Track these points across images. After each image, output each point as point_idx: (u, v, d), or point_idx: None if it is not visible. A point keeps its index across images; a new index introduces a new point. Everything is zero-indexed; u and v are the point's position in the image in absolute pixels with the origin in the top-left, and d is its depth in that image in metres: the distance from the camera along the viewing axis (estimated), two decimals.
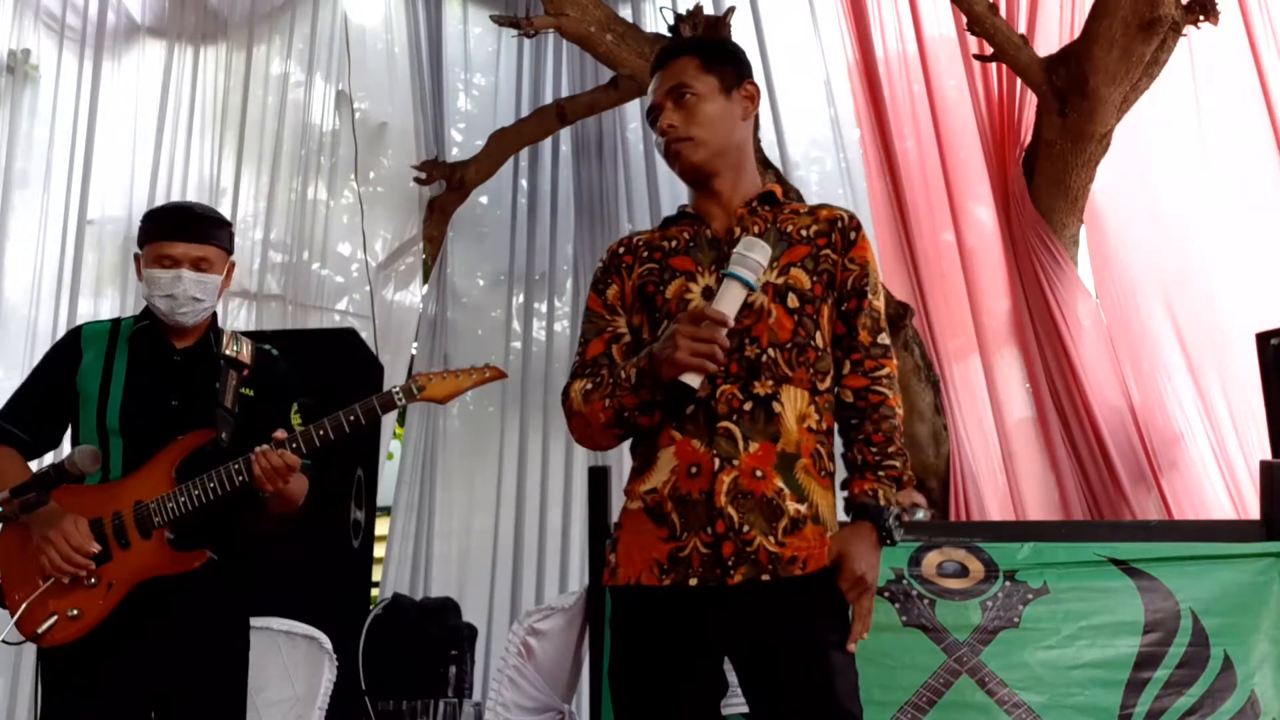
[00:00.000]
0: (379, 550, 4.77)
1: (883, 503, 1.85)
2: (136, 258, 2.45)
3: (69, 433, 2.46)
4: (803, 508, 1.80)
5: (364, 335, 4.81)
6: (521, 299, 5.48)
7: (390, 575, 4.98)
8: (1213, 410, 4.42)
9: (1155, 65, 4.23)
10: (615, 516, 2.74)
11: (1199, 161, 4.69)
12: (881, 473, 1.87)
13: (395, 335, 5.35)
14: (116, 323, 2.50)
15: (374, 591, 4.82)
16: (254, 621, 2.55)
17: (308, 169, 5.35)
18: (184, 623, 2.29)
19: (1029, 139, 4.60)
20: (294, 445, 2.26)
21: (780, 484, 1.79)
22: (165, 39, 5.26)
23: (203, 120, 5.22)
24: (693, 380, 1.75)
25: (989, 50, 4.38)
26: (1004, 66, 4.58)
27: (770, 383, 1.83)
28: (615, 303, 1.99)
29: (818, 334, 1.88)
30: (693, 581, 1.77)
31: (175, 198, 4.93)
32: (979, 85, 4.81)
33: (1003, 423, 4.51)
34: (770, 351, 1.83)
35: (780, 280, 1.87)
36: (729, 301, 1.78)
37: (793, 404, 1.83)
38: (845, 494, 1.89)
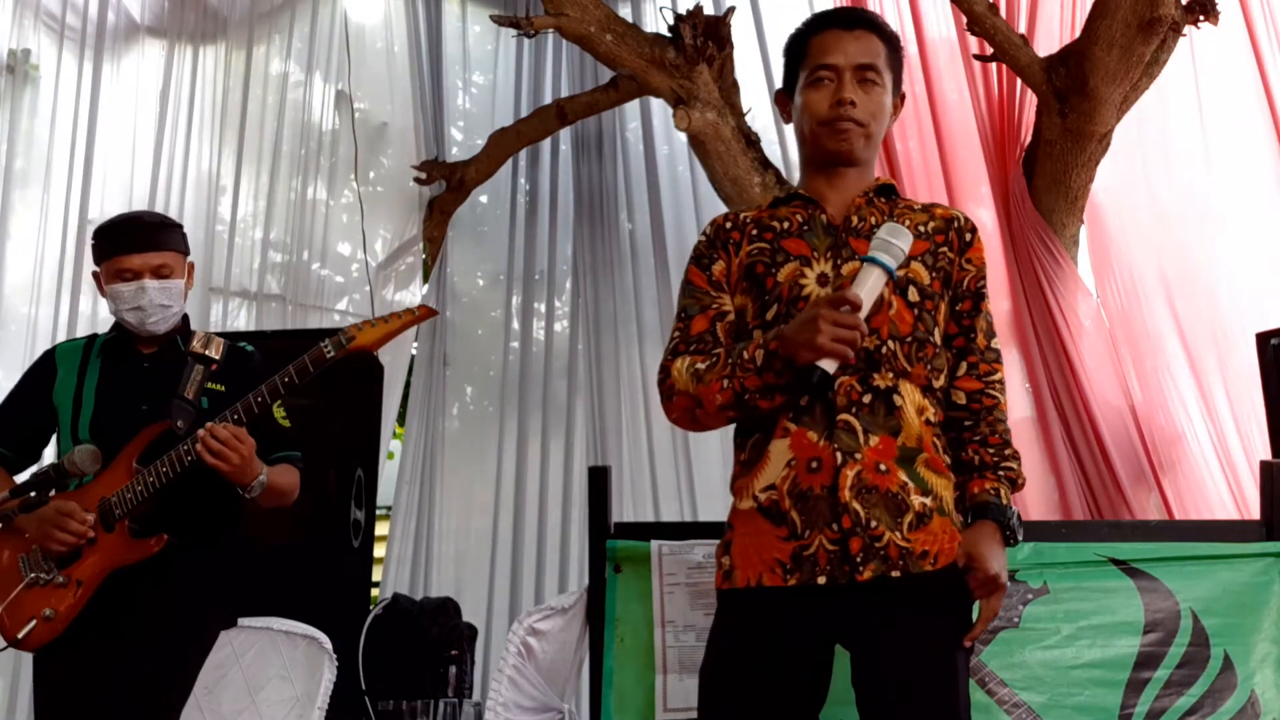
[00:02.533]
0: (379, 550, 4.77)
1: (1004, 502, 1.82)
2: (96, 275, 2.49)
3: (51, 447, 2.52)
4: (928, 500, 1.77)
5: None
6: (521, 299, 5.48)
7: (390, 575, 4.98)
8: (1214, 410, 4.41)
9: (1155, 65, 4.22)
10: (615, 516, 2.76)
11: (1199, 161, 4.68)
12: (1001, 473, 1.85)
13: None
14: (91, 339, 2.56)
15: (374, 591, 4.82)
16: (254, 621, 2.56)
17: (308, 169, 5.35)
18: (150, 607, 2.33)
19: (1029, 139, 4.60)
20: (235, 416, 2.27)
21: (904, 478, 1.76)
22: (165, 39, 5.25)
23: (202, 120, 5.22)
24: (829, 366, 1.70)
25: (989, 50, 4.38)
26: (1004, 66, 4.57)
27: (890, 375, 1.79)
28: (721, 279, 1.92)
29: (935, 330, 1.86)
30: (821, 580, 1.73)
31: (175, 197, 4.95)
32: (979, 85, 4.80)
33: None
34: (890, 344, 1.80)
35: (902, 273, 1.82)
36: (868, 287, 1.72)
37: (911, 398, 1.80)
38: (957, 494, 1.86)
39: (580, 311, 5.43)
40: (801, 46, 1.94)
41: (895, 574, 1.72)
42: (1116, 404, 4.40)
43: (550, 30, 4.51)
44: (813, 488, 1.75)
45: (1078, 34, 4.30)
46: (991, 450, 1.86)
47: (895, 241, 1.72)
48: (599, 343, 5.30)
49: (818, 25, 1.95)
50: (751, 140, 4.47)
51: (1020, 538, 1.83)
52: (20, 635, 2.31)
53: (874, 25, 1.95)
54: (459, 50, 5.77)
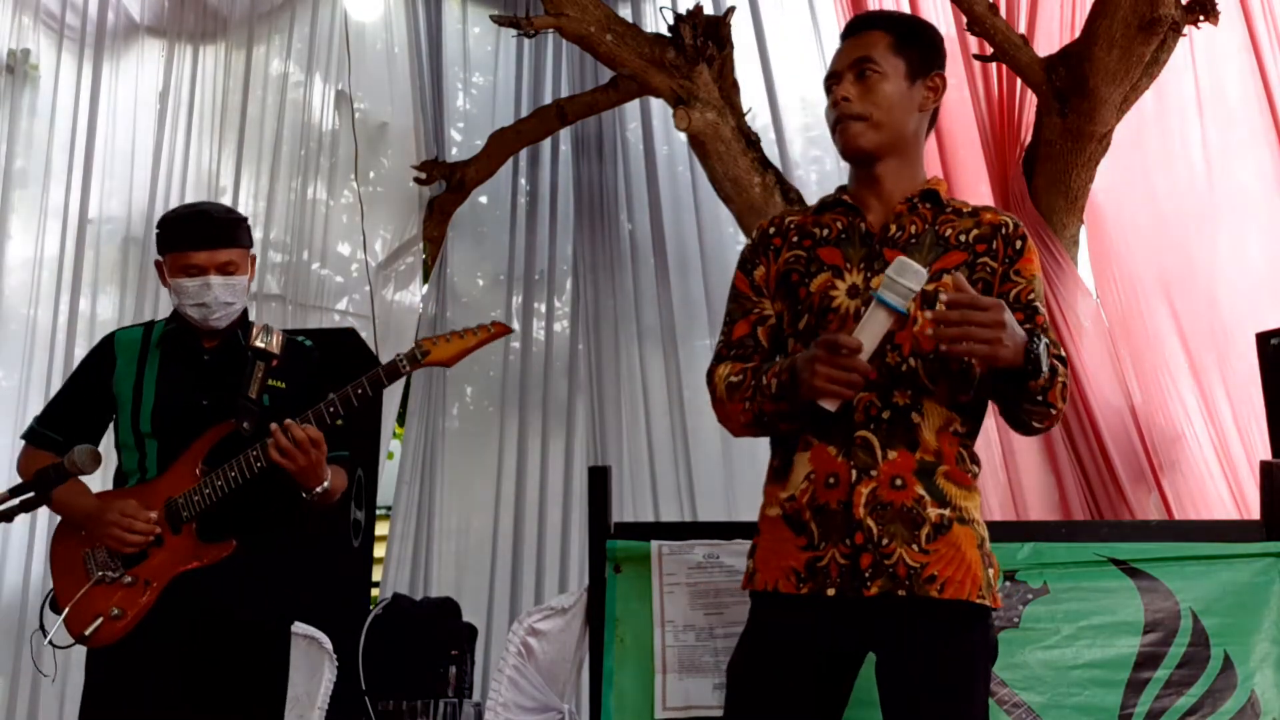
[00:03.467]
0: (379, 550, 4.77)
1: (1041, 338, 1.71)
2: (158, 264, 2.46)
3: (111, 437, 2.50)
4: (945, 511, 1.76)
5: (364, 335, 4.82)
6: (521, 299, 5.48)
7: (390, 575, 4.98)
8: (1214, 410, 4.41)
9: (1155, 65, 4.22)
10: (615, 516, 2.76)
11: (1199, 161, 4.68)
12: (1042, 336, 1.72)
13: (395, 335, 5.35)
14: (149, 327, 2.53)
15: (374, 591, 4.82)
16: None
17: (308, 169, 5.35)
18: (219, 615, 2.32)
19: (1029, 139, 4.59)
20: (306, 423, 2.27)
21: (921, 491, 1.75)
22: (165, 38, 5.25)
23: (202, 120, 5.22)
24: (829, 405, 1.70)
25: (989, 50, 4.38)
26: (1004, 66, 4.57)
27: (910, 393, 1.77)
28: (762, 284, 1.93)
29: None
30: (830, 592, 1.74)
31: (175, 197, 4.94)
32: (979, 85, 4.80)
33: (1002, 423, 4.50)
34: (911, 361, 1.78)
35: (930, 286, 1.77)
36: (872, 328, 1.69)
37: (932, 417, 1.78)
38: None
39: (580, 311, 5.44)
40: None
41: (901, 593, 1.72)
42: (1116, 404, 4.40)
43: (550, 30, 4.51)
44: (829, 503, 1.77)
45: (1078, 34, 4.30)
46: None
47: (902, 281, 1.67)
48: (599, 343, 5.31)
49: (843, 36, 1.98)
50: (751, 140, 4.47)
51: (1042, 354, 1.68)
52: (87, 632, 2.30)
53: (871, 22, 1.95)
54: (459, 50, 5.78)
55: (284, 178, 5.30)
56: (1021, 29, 4.57)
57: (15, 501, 2.20)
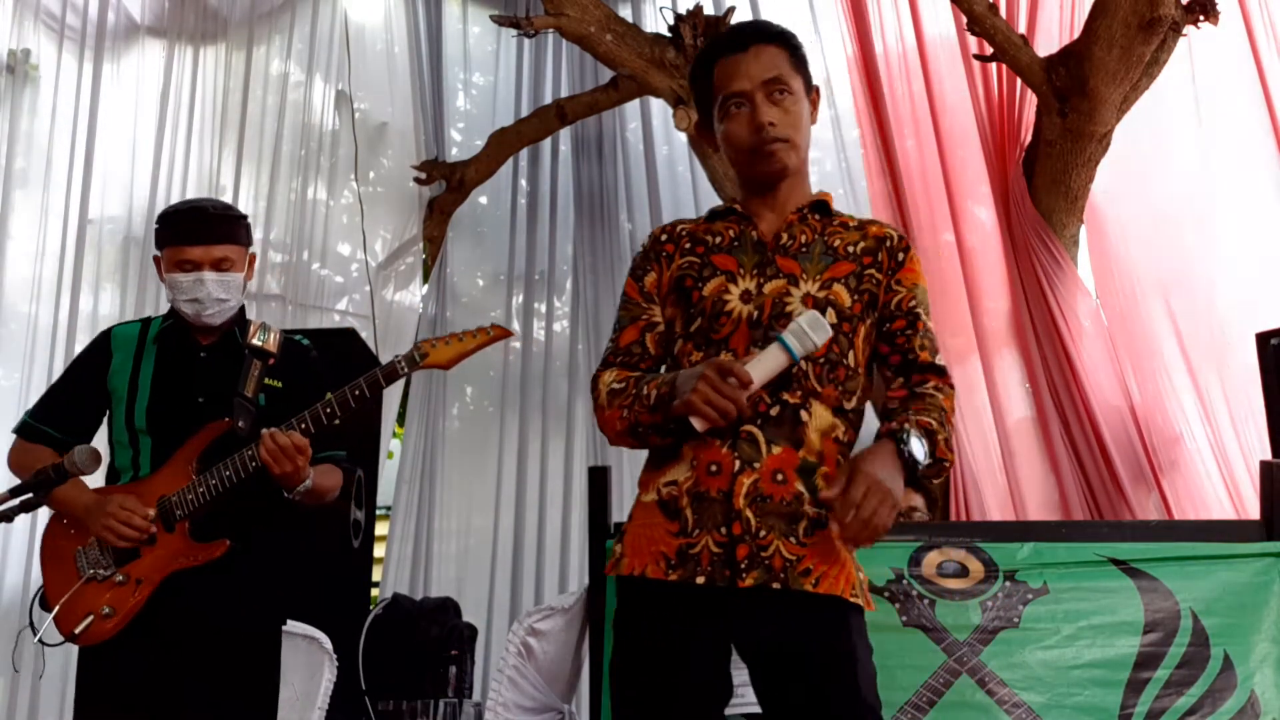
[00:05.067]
0: (379, 550, 4.77)
1: (907, 430, 1.75)
2: (156, 259, 2.46)
3: (105, 432, 2.48)
4: (823, 511, 1.77)
5: (364, 335, 4.82)
6: (521, 299, 5.48)
7: (390, 575, 4.98)
8: (1212, 410, 4.41)
9: (1155, 65, 4.22)
10: (615, 516, 2.76)
11: (1199, 161, 4.68)
12: (915, 416, 1.78)
13: (395, 335, 5.35)
14: (146, 323, 2.52)
15: (374, 591, 4.82)
16: None
17: (308, 169, 5.35)
18: (211, 615, 2.31)
19: (1029, 139, 4.60)
20: (303, 426, 2.26)
21: (800, 488, 1.77)
22: (165, 39, 5.26)
23: (202, 120, 5.22)
24: (699, 424, 1.73)
25: (989, 50, 4.38)
26: (1004, 66, 4.57)
27: (799, 394, 1.80)
28: (653, 290, 1.94)
29: (850, 353, 1.85)
30: (700, 580, 1.75)
31: (175, 197, 4.94)
32: (979, 85, 4.80)
33: (1003, 423, 4.51)
34: (802, 364, 1.79)
35: (821, 294, 1.83)
36: (765, 366, 1.73)
37: (819, 417, 1.81)
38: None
39: (580, 311, 5.44)
40: (706, 80, 1.94)
41: (775, 585, 1.73)
42: (1116, 404, 4.41)
43: (550, 30, 4.51)
44: (709, 490, 1.77)
45: (1078, 34, 4.30)
46: (911, 411, 1.79)
47: (811, 334, 1.73)
48: (599, 343, 5.30)
49: (717, 52, 1.94)
50: None
51: (920, 462, 1.73)
52: (77, 630, 2.29)
53: (766, 35, 1.95)
54: (459, 50, 5.78)
55: (284, 178, 5.30)
56: (1021, 29, 4.58)
57: (15, 502, 2.20)
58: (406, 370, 2.29)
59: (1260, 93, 4.61)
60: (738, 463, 1.77)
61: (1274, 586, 2.54)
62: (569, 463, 5.20)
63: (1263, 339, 3.53)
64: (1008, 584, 2.59)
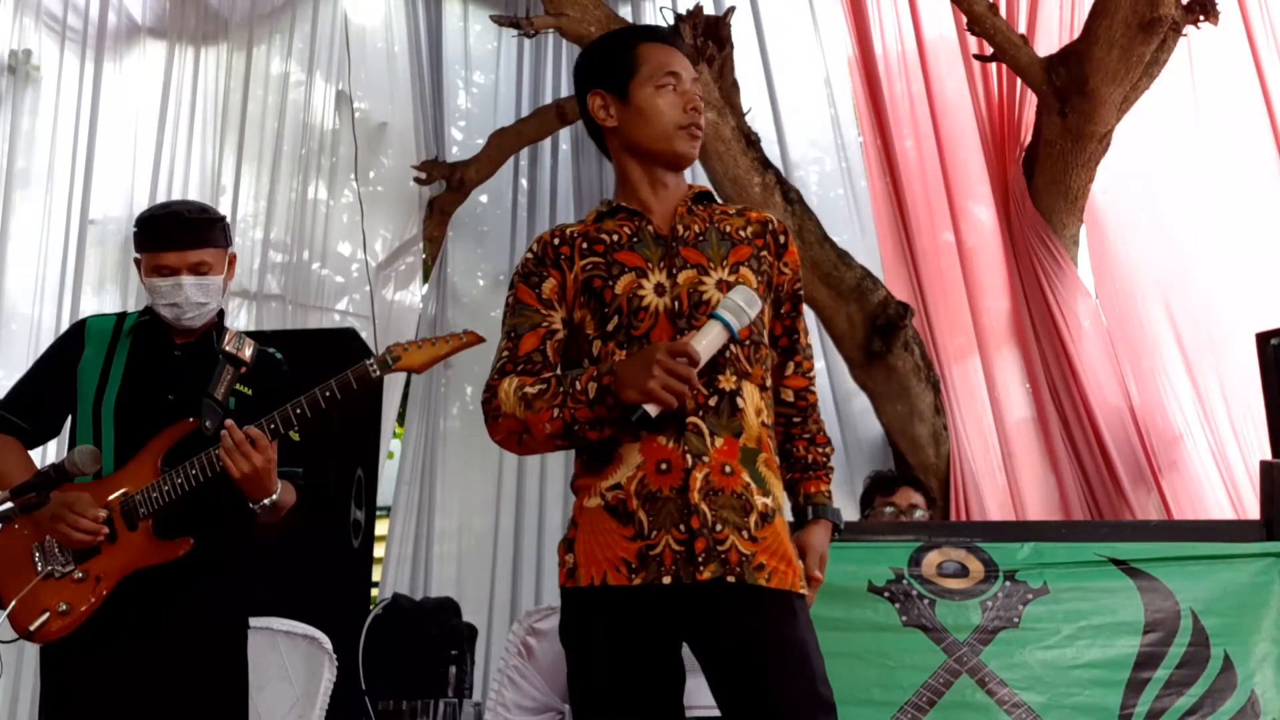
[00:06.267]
0: (379, 550, 4.77)
1: (833, 503, 1.96)
2: (137, 261, 2.45)
3: (68, 423, 2.46)
4: (769, 500, 1.80)
5: (364, 335, 4.82)
6: None
7: (390, 575, 4.98)
8: (1212, 410, 4.42)
9: (1155, 65, 4.23)
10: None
11: (1199, 161, 4.69)
12: (827, 473, 1.97)
13: (395, 335, 5.34)
14: (122, 317, 2.50)
15: (374, 591, 4.82)
16: (255, 621, 2.54)
17: (308, 169, 5.36)
18: (174, 613, 2.29)
19: (1029, 139, 4.61)
20: (271, 426, 2.24)
21: (747, 478, 1.79)
22: (166, 39, 5.27)
23: (203, 120, 5.23)
24: (652, 410, 1.73)
25: (989, 50, 4.39)
26: (1004, 66, 4.58)
27: (734, 378, 1.82)
28: (552, 296, 1.92)
29: (764, 332, 1.91)
30: (666, 580, 1.74)
31: (176, 197, 4.94)
32: (979, 85, 4.81)
33: (1003, 423, 4.51)
34: (733, 348, 1.82)
35: (733, 278, 1.87)
36: (708, 343, 1.76)
37: (751, 399, 1.84)
38: (791, 491, 1.96)
39: None
40: (633, 51, 1.96)
41: (731, 579, 1.74)
42: (1116, 404, 4.41)
43: (550, 30, 4.51)
44: (662, 489, 1.77)
45: (1078, 34, 4.31)
46: (820, 449, 1.96)
47: (747, 309, 1.78)
48: None
49: (649, 35, 2.02)
50: (751, 140, 4.48)
51: (842, 530, 1.96)
52: (32, 628, 2.26)
53: (676, 41, 2.03)
54: (459, 50, 5.78)
55: (284, 178, 5.31)
56: (1021, 29, 4.58)
57: (17, 504, 2.19)
58: (378, 373, 2.28)
59: (1260, 93, 4.61)
60: (688, 458, 1.77)
61: (1274, 586, 2.54)
62: (569, 463, 5.15)
63: (1263, 339, 3.53)
64: (1008, 584, 2.59)
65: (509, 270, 5.50)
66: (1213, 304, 4.54)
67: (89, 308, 4.79)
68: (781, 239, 1.97)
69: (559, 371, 1.91)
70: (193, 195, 5.02)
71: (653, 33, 2.05)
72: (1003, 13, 4.46)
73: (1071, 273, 4.48)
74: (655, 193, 1.96)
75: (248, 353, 2.45)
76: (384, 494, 4.91)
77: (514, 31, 4.60)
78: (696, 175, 5.19)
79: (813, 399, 1.98)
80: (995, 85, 4.78)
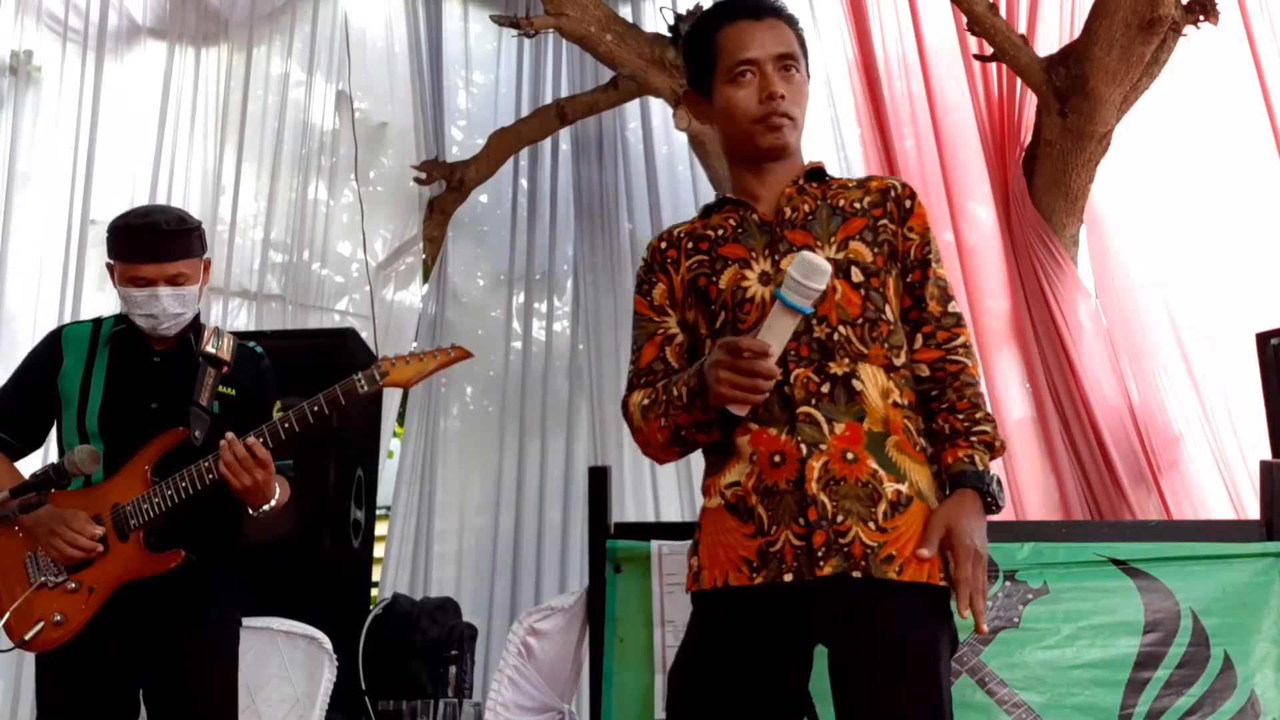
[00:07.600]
0: (379, 550, 4.77)
1: (981, 467, 1.76)
2: (110, 266, 2.42)
3: (55, 435, 2.47)
4: (903, 487, 1.70)
5: (364, 335, 4.81)
6: (521, 299, 5.48)
7: (390, 575, 4.98)
8: (1212, 410, 4.41)
9: (1155, 65, 4.22)
10: (615, 516, 2.76)
11: (1199, 161, 4.68)
12: (974, 438, 1.77)
13: (395, 335, 5.35)
14: (98, 323, 2.49)
15: (374, 591, 4.82)
16: (254, 621, 2.55)
17: (308, 169, 5.35)
18: (167, 623, 2.31)
19: (1029, 139, 4.60)
20: (261, 439, 2.25)
21: (874, 465, 1.69)
22: (166, 40, 5.27)
23: (203, 120, 5.23)
24: (739, 410, 1.67)
25: (989, 50, 4.38)
26: (1004, 66, 4.58)
27: (846, 361, 1.73)
28: (663, 302, 1.88)
29: (886, 307, 1.79)
30: (788, 577, 1.66)
31: (176, 197, 4.96)
32: (979, 85, 4.80)
33: (1003, 423, 4.51)
34: (841, 329, 1.74)
35: (841, 255, 1.78)
36: (777, 329, 1.64)
37: (873, 380, 1.74)
38: (935, 467, 1.80)
39: (580, 311, 5.44)
40: (712, 43, 1.87)
41: (856, 574, 1.64)
42: (1116, 404, 4.41)
43: (550, 30, 4.51)
44: (778, 482, 1.69)
45: (1078, 34, 4.30)
46: (961, 416, 1.78)
47: (807, 283, 1.61)
48: (599, 343, 5.31)
49: (726, 17, 1.87)
50: None
51: (1002, 504, 1.76)
52: (28, 637, 2.28)
53: (781, 12, 1.90)
54: (459, 50, 5.78)
55: (284, 178, 5.31)
56: (1021, 29, 4.58)
57: (16, 503, 2.20)
58: (366, 388, 2.27)
59: (1260, 93, 4.60)
60: (803, 447, 1.68)
61: (1274, 586, 2.54)
62: (569, 463, 5.20)
63: (1263, 339, 3.53)
64: (1008, 584, 2.59)
65: (509, 270, 5.50)
66: (1213, 304, 4.54)
67: (89, 307, 4.78)
68: (907, 204, 1.86)
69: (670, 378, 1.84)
70: (193, 195, 5.03)
71: (735, 12, 1.88)
72: (1003, 13, 4.46)
73: (1071, 273, 4.48)
74: (760, 180, 1.87)
75: (227, 350, 2.44)
76: (384, 494, 4.91)
77: (514, 31, 4.60)
78: (697, 175, 5.19)
79: (953, 368, 1.80)
80: (995, 85, 4.78)
